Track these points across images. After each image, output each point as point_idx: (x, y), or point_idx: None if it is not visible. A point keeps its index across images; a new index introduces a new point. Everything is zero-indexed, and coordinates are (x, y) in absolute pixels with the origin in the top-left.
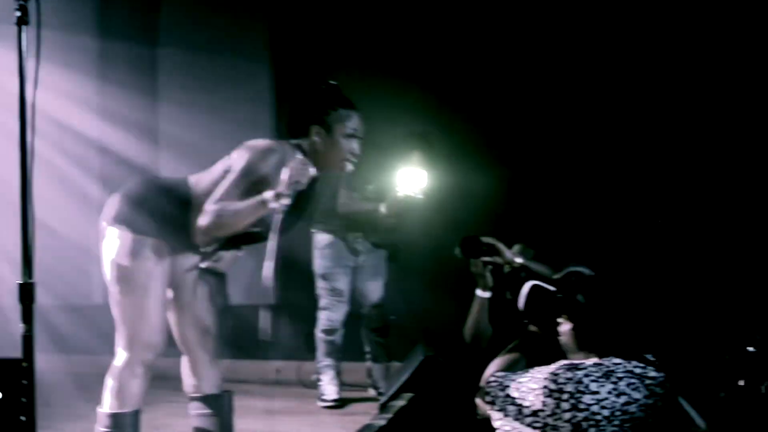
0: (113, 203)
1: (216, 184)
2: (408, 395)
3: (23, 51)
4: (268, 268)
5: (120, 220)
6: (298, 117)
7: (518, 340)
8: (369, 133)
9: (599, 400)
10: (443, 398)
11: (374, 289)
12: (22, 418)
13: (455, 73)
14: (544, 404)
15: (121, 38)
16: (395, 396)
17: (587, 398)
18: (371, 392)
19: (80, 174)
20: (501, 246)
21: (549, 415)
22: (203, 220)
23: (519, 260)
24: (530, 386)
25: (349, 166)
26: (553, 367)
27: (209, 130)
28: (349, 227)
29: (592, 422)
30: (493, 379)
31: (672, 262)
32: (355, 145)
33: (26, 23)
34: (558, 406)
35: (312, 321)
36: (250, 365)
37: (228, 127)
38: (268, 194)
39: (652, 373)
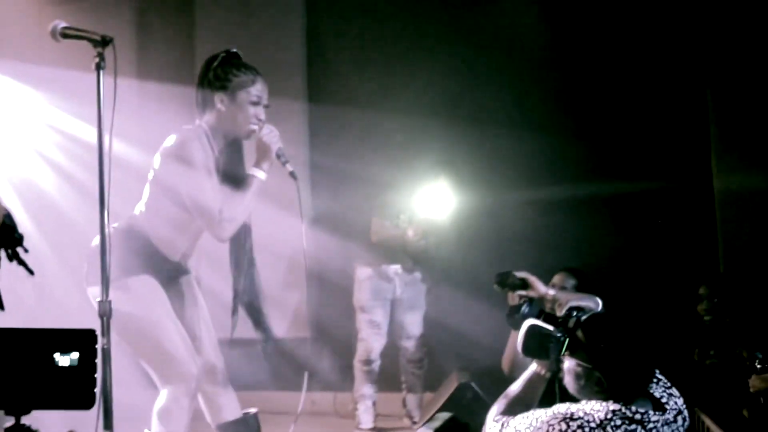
0: (87, 266)
1: (159, 204)
2: (445, 415)
3: (101, 95)
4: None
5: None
6: (202, 88)
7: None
8: (401, 163)
9: None
10: (472, 417)
11: (412, 321)
12: (96, 375)
13: (481, 102)
14: None
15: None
16: (431, 419)
17: None
18: (405, 421)
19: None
20: (533, 279)
21: None
22: (227, 233)
23: (552, 293)
24: None
25: (267, 131)
26: (549, 414)
27: None
28: (388, 259)
29: None
30: (491, 424)
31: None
32: (259, 110)
33: (103, 68)
34: None
35: (347, 353)
36: (287, 396)
37: None
38: (262, 174)
39: (655, 417)
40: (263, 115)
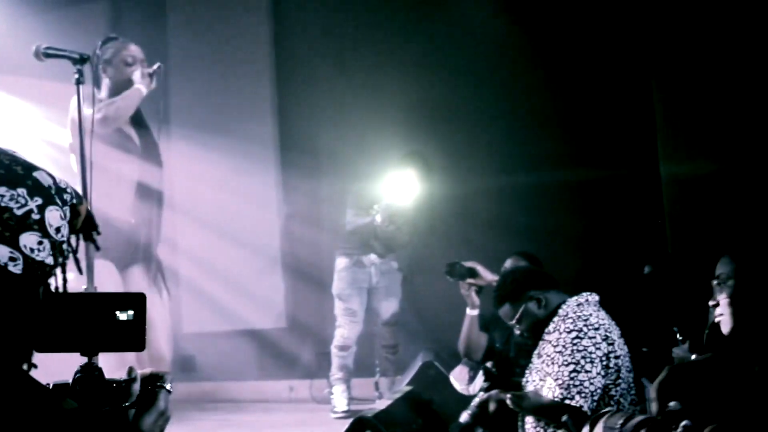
0: None
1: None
2: (406, 389)
3: (81, 105)
4: None
5: None
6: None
7: None
8: (374, 155)
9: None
10: (433, 393)
11: (387, 309)
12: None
13: (446, 97)
14: None
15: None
16: (394, 393)
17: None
18: (378, 404)
19: None
20: (480, 268)
21: None
22: (104, 119)
23: (497, 279)
24: None
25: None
26: (554, 332)
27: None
28: (363, 248)
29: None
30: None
31: None
32: (132, 69)
33: (82, 83)
34: None
35: (321, 341)
36: (265, 385)
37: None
38: (138, 85)
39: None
40: (139, 73)
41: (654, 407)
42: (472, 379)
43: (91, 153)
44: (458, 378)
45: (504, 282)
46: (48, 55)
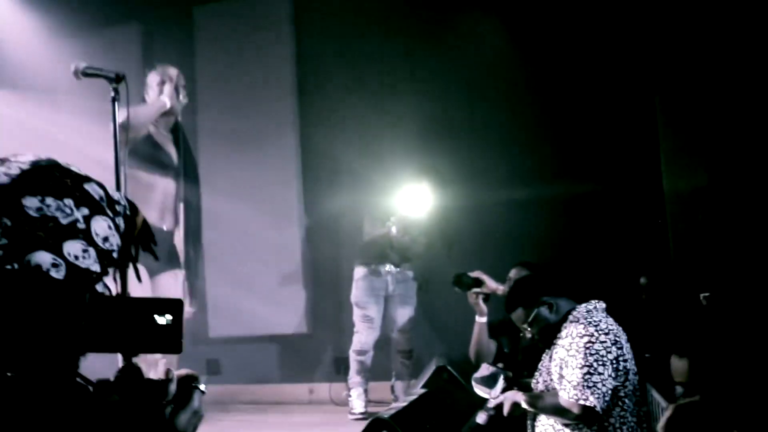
0: None
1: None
2: (421, 391)
3: (116, 121)
4: None
5: None
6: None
7: None
8: (390, 170)
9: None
10: (446, 396)
11: (402, 316)
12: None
13: (457, 116)
14: None
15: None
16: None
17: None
18: (394, 406)
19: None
20: (485, 277)
21: None
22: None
23: (501, 288)
24: None
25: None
26: (566, 339)
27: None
28: (380, 258)
29: None
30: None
31: None
32: (166, 86)
33: (118, 100)
34: None
35: (340, 346)
36: (287, 388)
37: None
38: (163, 96)
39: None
40: (169, 92)
41: None
42: (491, 384)
43: (124, 164)
44: (480, 383)
45: (518, 287)
46: (86, 74)
